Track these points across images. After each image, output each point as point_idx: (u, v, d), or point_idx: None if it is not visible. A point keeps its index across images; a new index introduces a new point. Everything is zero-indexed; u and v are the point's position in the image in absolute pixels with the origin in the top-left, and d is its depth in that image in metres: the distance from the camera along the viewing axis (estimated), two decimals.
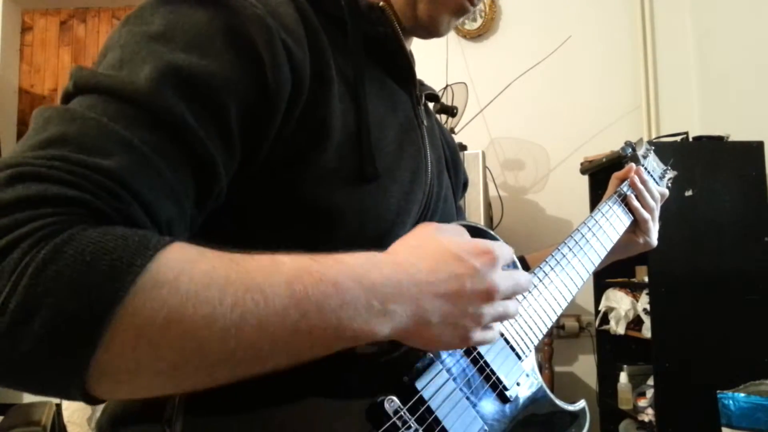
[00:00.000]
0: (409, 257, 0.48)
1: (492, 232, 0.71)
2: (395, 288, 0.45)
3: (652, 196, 0.91)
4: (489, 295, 0.49)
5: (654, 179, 0.94)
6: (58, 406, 2.11)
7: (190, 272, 0.37)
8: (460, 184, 0.81)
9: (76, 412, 1.88)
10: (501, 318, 0.52)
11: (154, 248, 0.37)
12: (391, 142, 0.59)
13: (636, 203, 0.89)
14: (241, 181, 0.49)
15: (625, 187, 0.90)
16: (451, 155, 0.78)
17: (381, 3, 0.61)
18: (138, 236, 0.37)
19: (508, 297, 0.52)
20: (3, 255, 0.34)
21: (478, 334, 0.50)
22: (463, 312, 0.48)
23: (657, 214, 0.92)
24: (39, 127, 0.41)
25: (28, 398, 3.20)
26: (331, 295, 0.41)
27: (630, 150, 0.93)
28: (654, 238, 0.92)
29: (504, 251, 0.53)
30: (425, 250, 0.49)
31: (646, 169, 0.93)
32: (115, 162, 0.39)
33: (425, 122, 0.68)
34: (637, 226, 0.90)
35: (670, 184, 0.97)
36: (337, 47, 0.56)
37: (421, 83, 0.71)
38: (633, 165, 0.92)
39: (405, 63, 0.65)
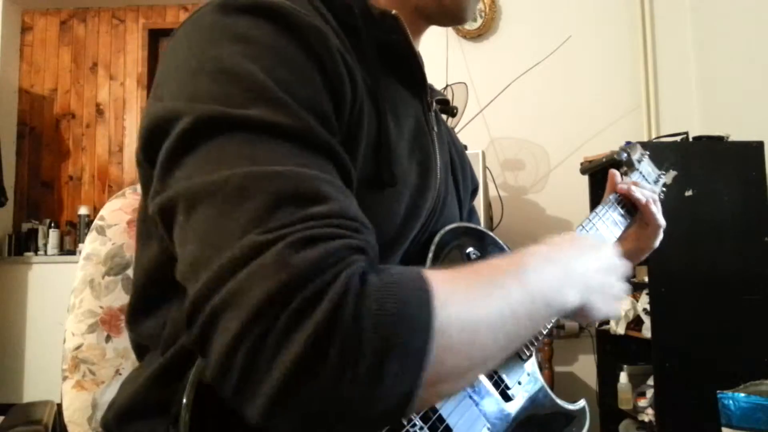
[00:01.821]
0: (566, 247, 0.58)
1: (492, 234, 0.71)
2: (573, 266, 0.54)
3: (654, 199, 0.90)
4: (616, 271, 0.62)
5: (649, 183, 0.94)
6: (59, 405, 2.11)
7: (457, 287, 0.43)
8: (468, 189, 0.81)
9: (76, 412, 1.88)
10: (623, 294, 0.63)
11: (424, 277, 0.41)
12: (403, 147, 0.60)
13: (643, 202, 0.88)
14: None
15: (614, 195, 0.89)
16: (460, 160, 0.79)
17: (393, 11, 0.61)
18: (407, 270, 0.41)
19: (623, 278, 0.64)
20: (337, 313, 0.36)
21: (617, 303, 0.62)
22: (609, 283, 0.60)
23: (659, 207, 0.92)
24: (235, 196, 0.39)
25: (28, 398, 3.20)
26: (540, 280, 0.49)
27: (625, 155, 0.93)
28: (658, 241, 0.92)
29: (612, 251, 0.64)
30: (569, 241, 0.60)
31: (641, 173, 0.93)
32: (336, 202, 0.41)
33: (435, 128, 0.68)
34: (641, 231, 0.90)
35: (664, 189, 0.97)
36: (354, 54, 0.57)
37: (432, 89, 0.72)
38: (616, 173, 0.92)
39: (417, 69, 0.66)
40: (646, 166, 0.96)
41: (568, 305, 0.52)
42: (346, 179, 0.46)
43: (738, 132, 2.22)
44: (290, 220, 0.38)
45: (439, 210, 0.65)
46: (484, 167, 2.29)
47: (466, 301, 0.42)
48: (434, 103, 0.71)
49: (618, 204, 0.88)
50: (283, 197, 0.39)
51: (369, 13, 0.60)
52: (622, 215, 0.87)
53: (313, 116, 0.45)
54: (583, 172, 2.52)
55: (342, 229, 0.40)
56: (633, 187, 0.88)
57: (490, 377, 0.61)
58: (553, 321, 0.59)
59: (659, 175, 0.98)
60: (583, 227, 0.81)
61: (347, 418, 0.37)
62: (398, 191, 0.57)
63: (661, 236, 0.91)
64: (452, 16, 0.67)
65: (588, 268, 0.57)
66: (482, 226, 0.73)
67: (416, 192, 0.60)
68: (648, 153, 0.98)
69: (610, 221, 0.85)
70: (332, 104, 0.48)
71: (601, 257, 0.60)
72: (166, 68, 0.48)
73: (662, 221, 0.90)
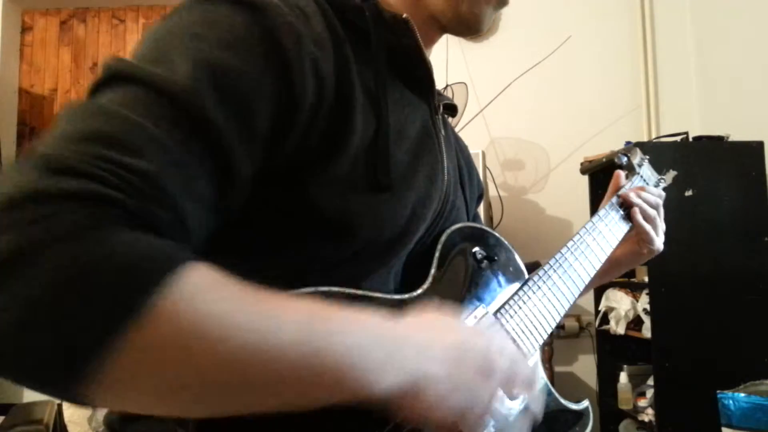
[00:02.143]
0: (422, 323, 0.49)
1: (498, 235, 0.71)
2: (402, 345, 0.45)
3: (651, 204, 0.89)
4: (487, 372, 0.49)
5: (648, 186, 0.94)
6: (60, 405, 2.11)
7: (210, 294, 0.38)
8: (474, 194, 0.82)
9: (76, 412, 1.89)
10: (502, 417, 0.52)
11: (179, 261, 0.37)
12: (408, 150, 0.60)
13: (637, 216, 0.87)
14: (259, 189, 0.50)
15: (616, 198, 0.88)
16: (467, 166, 0.79)
17: (405, 15, 0.61)
18: (166, 247, 0.38)
19: (508, 381, 0.52)
20: (39, 244, 0.34)
21: (473, 417, 0.48)
22: (462, 385, 0.47)
23: (659, 220, 0.90)
24: (72, 119, 0.41)
25: (28, 398, 3.20)
26: (338, 342, 0.41)
27: (625, 159, 0.94)
28: (659, 244, 0.89)
29: (509, 344, 0.55)
30: (436, 322, 0.51)
31: (642, 177, 0.94)
32: (150, 164, 0.39)
33: (442, 131, 0.69)
34: (638, 236, 0.89)
35: (663, 193, 0.97)
36: (361, 57, 0.57)
37: (439, 93, 0.72)
38: (621, 173, 0.91)
39: (425, 74, 0.66)
40: (646, 170, 0.96)
41: (375, 389, 0.42)
42: (223, 176, 0.45)
43: (738, 132, 2.22)
44: (85, 150, 0.38)
45: (446, 213, 0.65)
46: (484, 167, 2.29)
47: (211, 311, 0.37)
48: (441, 107, 0.71)
49: (620, 207, 0.88)
50: (101, 134, 0.39)
51: (380, 16, 0.60)
52: (624, 218, 0.87)
53: (229, 104, 0.44)
54: (583, 172, 2.52)
55: (121, 181, 0.38)
56: (632, 196, 0.87)
57: None
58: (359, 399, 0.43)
59: (659, 180, 0.99)
60: (587, 230, 0.81)
61: (6, 348, 0.34)
62: (401, 194, 0.57)
63: (656, 246, 0.89)
64: (468, 26, 0.67)
65: (434, 356, 0.46)
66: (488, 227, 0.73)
67: (423, 194, 0.60)
68: (648, 157, 0.99)
69: (612, 225, 0.86)
70: (281, 105, 0.48)
71: (473, 351, 0.48)
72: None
73: (659, 247, 0.88)
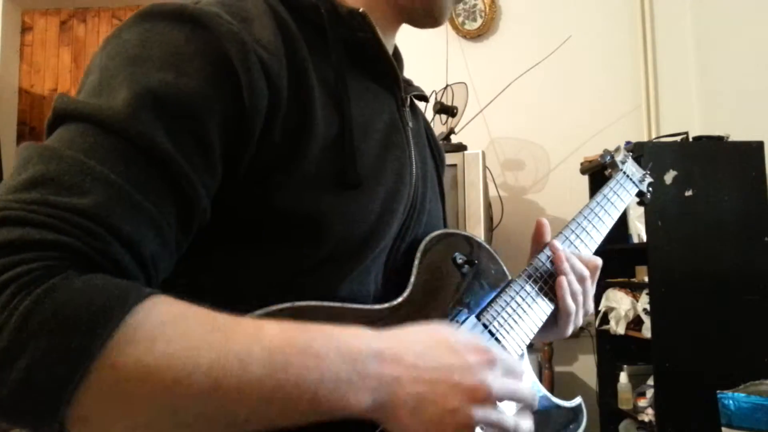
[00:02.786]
0: (402, 339, 0.47)
1: (478, 239, 0.70)
2: (377, 365, 0.44)
3: (578, 275, 0.72)
4: (477, 393, 0.46)
5: (634, 183, 0.95)
6: None
7: (169, 331, 0.38)
8: (442, 177, 0.80)
9: None
10: (493, 425, 0.48)
11: (133, 302, 0.37)
12: (375, 145, 0.60)
13: (563, 286, 0.70)
14: (223, 198, 0.49)
15: (544, 261, 0.73)
16: (438, 153, 0.79)
17: (361, 9, 0.61)
18: (119, 288, 0.38)
19: (504, 400, 0.50)
20: None
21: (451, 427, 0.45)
22: (443, 405, 0.45)
23: (585, 297, 0.74)
24: (20, 166, 0.41)
25: None
26: (311, 367, 0.41)
27: (609, 158, 0.96)
28: (569, 331, 0.73)
29: (507, 358, 0.51)
30: (421, 336, 0.48)
31: (625, 173, 0.94)
32: (92, 200, 0.39)
33: (411, 124, 0.68)
34: (558, 312, 0.71)
35: (651, 189, 0.99)
36: (318, 54, 0.56)
37: (409, 83, 0.71)
38: (543, 222, 0.79)
39: (388, 66, 0.65)
40: (630, 167, 0.98)
41: (350, 409, 0.42)
42: (181, 197, 0.45)
43: (738, 132, 2.22)
44: (27, 198, 0.39)
45: (418, 207, 0.65)
46: (484, 167, 2.28)
47: (169, 351, 0.37)
48: (409, 99, 0.70)
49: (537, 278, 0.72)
50: (42, 179, 0.40)
51: (336, 11, 0.60)
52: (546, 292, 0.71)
53: (174, 125, 0.44)
54: (583, 172, 2.52)
55: (68, 225, 0.38)
56: (561, 277, 0.70)
57: None
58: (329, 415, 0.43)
59: (644, 175, 1.00)
60: (571, 230, 0.79)
61: None
62: (370, 188, 0.57)
63: (571, 326, 0.73)
64: (427, 16, 0.67)
65: (415, 376, 0.44)
66: (468, 232, 0.72)
67: (392, 189, 0.60)
68: (631, 154, 1.00)
69: (598, 222, 0.82)
70: (231, 114, 0.47)
71: (461, 370, 0.46)
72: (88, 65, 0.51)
73: (572, 321, 0.72)
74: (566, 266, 0.71)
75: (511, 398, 0.51)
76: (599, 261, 0.76)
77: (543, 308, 0.69)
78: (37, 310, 0.35)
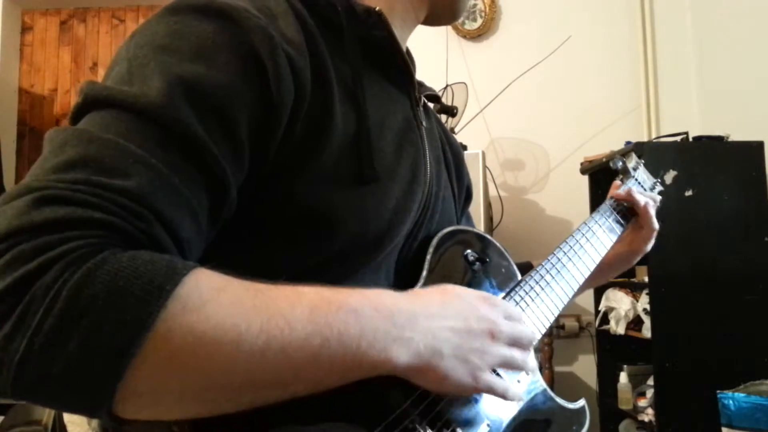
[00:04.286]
0: (423, 297, 0.52)
1: (490, 237, 0.71)
2: (410, 318, 0.47)
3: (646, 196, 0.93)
4: (492, 333, 0.53)
5: (645, 190, 0.96)
6: None
7: (218, 299, 0.39)
8: (463, 187, 0.81)
9: None
10: (508, 363, 0.55)
11: (181, 273, 0.38)
12: (390, 143, 0.60)
13: (651, 211, 0.90)
14: (246, 193, 0.50)
15: (612, 201, 0.92)
16: (454, 158, 0.79)
17: (377, 7, 0.61)
18: (165, 261, 0.38)
19: (512, 344, 0.55)
20: (36, 276, 0.35)
21: (487, 375, 0.52)
22: (471, 347, 0.50)
23: (654, 218, 0.94)
24: (56, 148, 0.41)
25: None
26: (350, 323, 0.43)
27: (620, 163, 0.96)
28: (651, 245, 0.94)
29: (505, 304, 0.58)
30: (437, 294, 0.53)
31: (636, 180, 0.95)
32: (135, 182, 0.40)
33: (424, 123, 0.68)
34: (636, 234, 0.92)
35: (660, 197, 0.99)
36: (335, 52, 0.57)
37: (421, 84, 0.72)
38: (618, 182, 0.95)
39: (402, 65, 0.66)
40: (642, 174, 0.98)
41: (392, 365, 0.45)
42: (212, 184, 0.45)
43: (738, 132, 2.22)
44: (69, 178, 0.39)
45: (432, 206, 0.65)
46: (484, 167, 2.29)
47: (217, 317, 0.38)
48: (423, 99, 0.71)
49: (615, 210, 0.90)
50: (84, 160, 0.40)
51: (353, 10, 0.60)
52: (617, 221, 0.90)
53: (206, 115, 0.45)
54: (583, 172, 2.52)
55: (114, 204, 0.38)
56: (633, 189, 0.91)
57: None
58: (374, 372, 0.46)
59: (655, 183, 1.00)
60: (582, 233, 0.82)
61: (23, 383, 0.35)
62: (386, 186, 0.57)
63: (653, 240, 0.93)
64: (447, 14, 0.69)
65: (441, 327, 0.49)
66: (480, 230, 0.73)
67: (407, 186, 0.60)
68: (643, 161, 1.00)
69: (606, 227, 0.87)
70: (259, 108, 0.48)
71: (468, 317, 0.51)
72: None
73: (656, 225, 0.92)
74: (639, 197, 0.90)
75: (517, 336, 0.56)
76: (657, 197, 0.96)
77: (611, 236, 0.86)
78: (88, 285, 0.35)
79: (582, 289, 0.81)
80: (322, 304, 0.43)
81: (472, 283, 0.65)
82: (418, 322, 0.47)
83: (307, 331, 0.41)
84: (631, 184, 0.93)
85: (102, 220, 0.38)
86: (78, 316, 0.35)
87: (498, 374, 0.55)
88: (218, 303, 0.39)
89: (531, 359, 0.60)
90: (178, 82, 0.44)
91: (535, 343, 0.60)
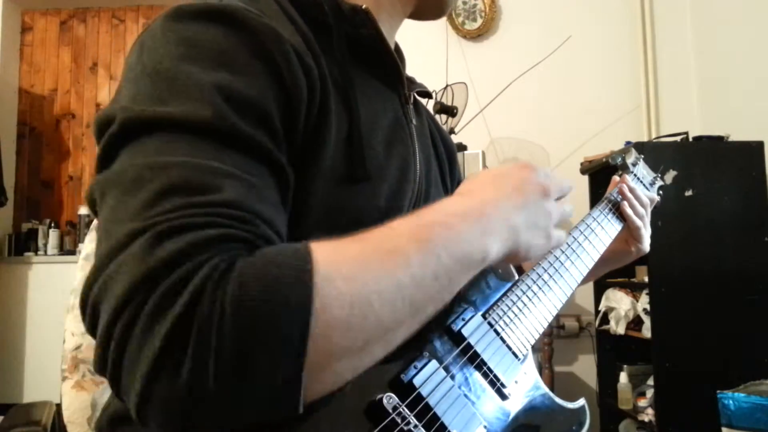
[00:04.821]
0: (474, 191, 0.55)
1: None
2: (482, 213, 0.51)
3: (641, 203, 0.92)
4: (545, 190, 0.58)
5: (644, 186, 0.96)
6: (58, 406, 2.11)
7: (344, 259, 0.41)
8: (455, 183, 0.81)
9: (76, 412, 1.88)
10: (563, 217, 0.61)
11: (307, 253, 0.39)
12: (380, 141, 0.60)
13: (628, 210, 0.90)
14: None
15: (614, 194, 0.92)
16: (447, 154, 0.79)
17: (364, 5, 0.61)
18: (289, 249, 0.40)
19: (559, 196, 0.61)
20: (192, 309, 0.35)
21: (554, 231, 0.58)
22: (537, 212, 0.56)
23: (648, 220, 0.93)
24: (131, 188, 0.41)
25: (28, 398, 3.20)
26: (447, 236, 0.47)
27: (620, 159, 0.96)
28: (646, 244, 0.92)
29: (537, 166, 0.60)
30: (484, 181, 0.56)
31: (636, 176, 0.95)
32: (228, 193, 0.41)
33: (414, 121, 0.69)
34: (629, 233, 0.91)
35: (660, 192, 0.99)
36: (325, 51, 0.57)
37: (412, 81, 0.71)
38: (617, 177, 0.95)
39: (391, 63, 0.66)
40: (642, 170, 0.98)
41: (491, 255, 0.50)
42: (278, 178, 0.47)
43: (738, 132, 2.22)
44: (169, 208, 0.39)
45: (422, 203, 0.65)
46: (484, 167, 2.28)
47: (353, 273, 0.40)
48: (412, 96, 0.71)
49: (613, 206, 0.90)
50: (172, 187, 0.40)
51: (339, 8, 0.60)
52: (616, 218, 0.90)
53: (248, 116, 0.45)
54: (583, 172, 2.52)
55: (222, 218, 0.39)
56: (625, 202, 0.90)
57: (485, 376, 0.61)
58: (478, 269, 0.51)
59: (655, 178, 1.00)
60: (580, 231, 0.82)
61: (219, 413, 0.36)
62: (376, 185, 0.57)
63: (646, 243, 0.92)
64: (435, 7, 0.69)
65: (507, 207, 0.53)
66: None
67: (396, 185, 0.60)
68: (642, 156, 1.00)
69: (606, 222, 0.87)
70: (281, 104, 0.48)
71: (520, 189, 0.56)
72: (123, 73, 0.50)
73: (646, 248, 0.92)
74: (627, 193, 0.90)
75: (559, 189, 0.61)
76: (655, 196, 0.97)
77: (609, 232, 0.87)
78: (244, 293, 0.36)
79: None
80: (415, 229, 0.46)
81: (468, 283, 0.64)
82: (489, 213, 0.51)
83: (421, 256, 0.44)
84: (630, 179, 0.93)
85: (220, 235, 0.38)
86: (250, 324, 0.35)
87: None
88: (348, 262, 0.41)
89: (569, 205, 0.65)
90: (214, 92, 0.44)
91: (570, 190, 0.65)
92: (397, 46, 0.72)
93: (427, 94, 0.76)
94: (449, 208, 0.50)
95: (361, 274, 0.41)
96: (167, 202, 0.39)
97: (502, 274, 0.69)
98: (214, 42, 0.47)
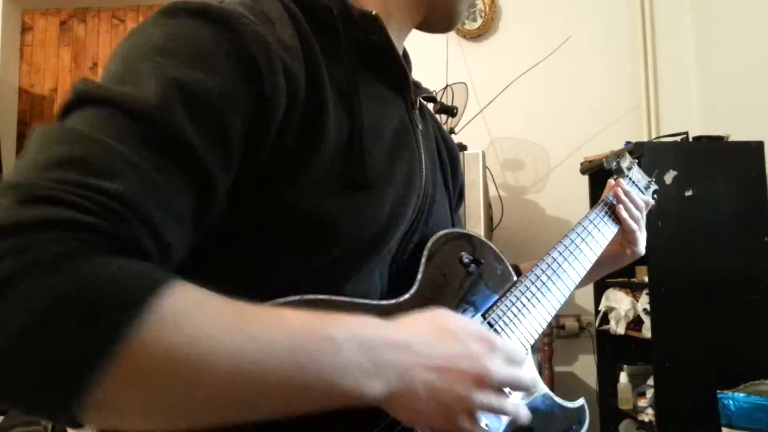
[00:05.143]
0: (410, 328, 0.49)
1: (485, 239, 0.71)
2: (392, 353, 0.45)
3: (636, 206, 0.92)
4: (480, 380, 0.49)
5: (639, 189, 0.96)
6: None
7: (194, 315, 0.38)
8: (457, 188, 0.81)
9: None
10: (494, 412, 0.51)
11: (160, 286, 0.37)
12: (385, 147, 0.60)
13: (623, 213, 0.90)
14: (236, 201, 0.49)
15: (610, 197, 0.92)
16: (450, 159, 0.79)
17: (374, 11, 0.61)
18: (146, 272, 0.38)
19: (504, 389, 0.52)
20: (21, 276, 0.34)
21: (466, 422, 0.48)
22: (451, 391, 0.47)
23: (643, 223, 0.93)
24: (42, 145, 0.41)
25: None
26: (329, 354, 0.42)
27: (615, 163, 0.97)
28: (641, 247, 0.93)
29: (510, 346, 0.53)
30: (427, 324, 0.50)
31: (631, 180, 0.95)
32: (123, 185, 0.39)
33: (420, 126, 0.68)
34: (624, 235, 0.92)
35: (655, 196, 0.99)
36: (330, 55, 0.57)
37: (418, 86, 0.72)
38: (612, 181, 0.96)
39: (398, 69, 0.65)
40: (636, 173, 0.99)
41: (363, 396, 0.43)
42: (199, 188, 0.45)
43: (738, 132, 2.22)
44: (60, 177, 0.38)
45: (426, 209, 0.65)
46: (484, 167, 2.28)
47: (193, 332, 0.37)
48: (419, 101, 0.71)
49: (610, 208, 0.91)
50: (72, 159, 0.39)
51: (349, 13, 0.60)
52: (613, 221, 0.91)
53: (199, 119, 0.44)
54: (583, 172, 2.52)
55: (97, 206, 0.38)
56: (620, 205, 0.90)
57: None
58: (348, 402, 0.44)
59: (649, 182, 1.01)
60: (577, 233, 0.82)
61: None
62: (380, 191, 0.57)
63: (641, 245, 0.92)
64: (443, 22, 0.69)
65: (424, 364, 0.46)
66: (475, 232, 0.73)
67: (401, 191, 0.60)
68: (637, 161, 1.02)
69: (602, 225, 0.88)
70: (255, 112, 0.48)
71: (466, 358, 0.48)
72: (110, 56, 0.51)
73: (642, 251, 0.93)
74: (622, 196, 0.91)
75: (512, 384, 0.52)
76: (650, 200, 0.97)
77: (606, 234, 0.88)
78: (64, 288, 0.34)
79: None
80: (303, 331, 0.42)
81: (468, 285, 0.65)
82: (398, 356, 0.45)
83: (283, 357, 0.40)
84: (625, 183, 0.94)
85: (88, 222, 0.37)
86: (50, 320, 0.34)
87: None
88: (195, 319, 0.38)
89: (534, 381, 0.58)
90: (174, 85, 0.44)
91: (535, 390, 0.59)
92: (405, 51, 0.72)
93: (432, 99, 0.76)
94: (362, 328, 0.45)
95: (199, 338, 0.37)
96: (60, 171, 0.39)
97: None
98: (198, 41, 0.47)
